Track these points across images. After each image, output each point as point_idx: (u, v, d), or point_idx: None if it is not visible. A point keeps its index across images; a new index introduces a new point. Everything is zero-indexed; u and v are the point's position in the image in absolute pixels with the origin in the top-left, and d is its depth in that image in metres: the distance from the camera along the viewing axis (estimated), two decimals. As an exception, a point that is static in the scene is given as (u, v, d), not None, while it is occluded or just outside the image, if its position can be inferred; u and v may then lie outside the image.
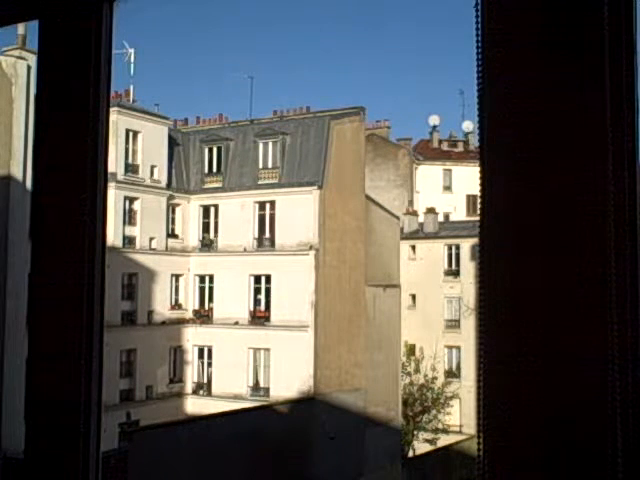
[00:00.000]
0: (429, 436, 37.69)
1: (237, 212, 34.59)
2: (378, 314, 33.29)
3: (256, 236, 34.45)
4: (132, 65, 36.09)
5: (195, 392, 34.91)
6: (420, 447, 37.13)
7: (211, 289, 35.38)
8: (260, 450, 24.17)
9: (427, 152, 56.86)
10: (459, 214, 51.87)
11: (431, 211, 47.42)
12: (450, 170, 55.68)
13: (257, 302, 34.19)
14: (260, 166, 34.90)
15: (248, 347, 33.38)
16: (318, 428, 27.49)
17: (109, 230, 28.65)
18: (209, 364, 34.85)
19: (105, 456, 18.20)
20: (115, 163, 31.41)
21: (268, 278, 33.55)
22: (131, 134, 33.71)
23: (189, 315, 35.61)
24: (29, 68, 21.28)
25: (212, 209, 35.76)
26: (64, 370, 2.01)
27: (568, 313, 1.42)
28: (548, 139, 1.46)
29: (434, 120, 58.67)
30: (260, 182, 34.59)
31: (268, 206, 34.17)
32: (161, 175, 35.13)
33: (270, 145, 34.83)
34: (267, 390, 32.75)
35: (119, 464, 19.94)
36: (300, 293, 31.57)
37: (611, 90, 1.42)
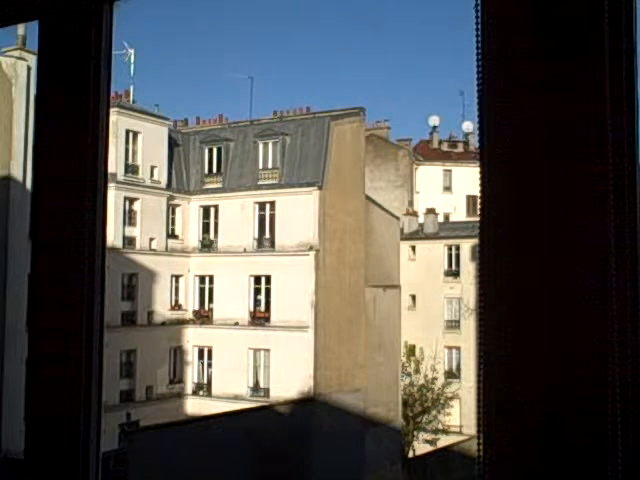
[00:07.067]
0: (429, 437, 37.67)
1: (237, 213, 34.60)
2: (378, 315, 33.28)
3: (256, 237, 34.46)
4: (132, 65, 36.13)
5: (195, 393, 34.92)
6: (420, 448, 37.11)
7: (211, 290, 35.39)
8: (260, 451, 24.16)
9: (427, 153, 56.88)
10: (459, 215, 51.89)
11: (431, 212, 47.45)
12: (450, 171, 55.71)
13: (257, 303, 34.20)
14: (260, 166, 34.93)
15: (248, 348, 33.39)
16: (318, 429, 27.47)
17: (109, 230, 28.66)
18: (209, 365, 34.86)
19: (105, 456, 18.21)
20: (115, 164, 31.42)
21: (268, 278, 33.56)
22: (131, 135, 33.73)
23: (189, 316, 35.62)
24: (29, 69, 21.30)
25: (212, 209, 35.78)
26: (64, 371, 2.01)
27: (568, 313, 1.42)
28: (548, 140, 1.47)
29: (434, 121, 58.72)
30: (260, 182, 34.62)
31: (268, 206, 34.19)
32: (161, 176, 35.15)
33: (270, 145, 34.86)
34: (267, 391, 32.76)
35: (119, 464, 19.94)
36: (300, 294, 31.58)
37: (611, 90, 1.42)
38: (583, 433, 1.39)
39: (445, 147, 58.18)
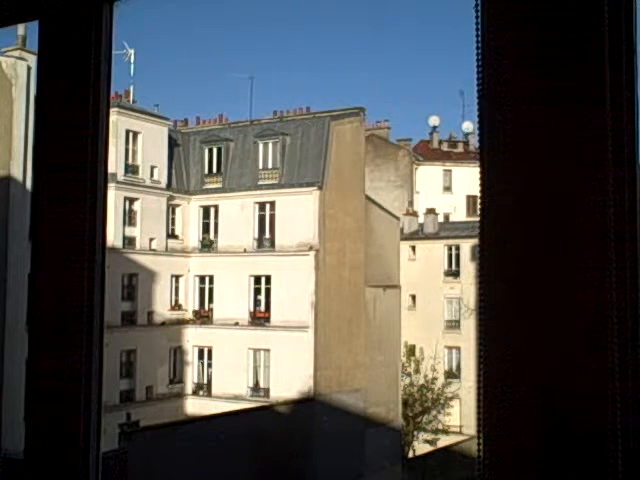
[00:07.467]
0: (429, 437, 37.68)
1: (237, 213, 34.59)
2: (378, 315, 33.29)
3: (256, 237, 34.45)
4: (132, 65, 36.12)
5: (195, 393, 34.89)
6: (420, 448, 37.12)
7: (211, 290, 35.37)
8: (260, 451, 24.17)
9: (427, 153, 56.85)
10: (459, 215, 51.86)
11: (431, 212, 47.43)
12: (450, 171, 55.68)
13: (257, 303, 34.18)
14: (260, 167, 34.90)
15: (248, 348, 33.37)
16: (318, 429, 27.48)
17: (109, 230, 28.66)
18: (209, 365, 34.84)
19: (105, 456, 18.19)
20: (115, 164, 31.40)
21: (268, 279, 33.54)
22: (131, 135, 33.72)
23: (189, 316, 35.60)
24: (29, 69, 21.30)
25: (212, 210, 35.76)
26: (64, 370, 2.01)
27: (568, 313, 1.42)
28: (548, 139, 1.47)
29: (434, 121, 58.67)
30: (260, 182, 34.60)
31: (268, 207, 34.17)
32: (161, 176, 35.13)
33: (270, 145, 34.83)
34: (267, 391, 32.74)
35: (119, 464, 19.94)
36: (300, 294, 31.56)
37: (611, 90, 1.42)
38: (583, 433, 1.39)
39: (445, 147, 58.15)
